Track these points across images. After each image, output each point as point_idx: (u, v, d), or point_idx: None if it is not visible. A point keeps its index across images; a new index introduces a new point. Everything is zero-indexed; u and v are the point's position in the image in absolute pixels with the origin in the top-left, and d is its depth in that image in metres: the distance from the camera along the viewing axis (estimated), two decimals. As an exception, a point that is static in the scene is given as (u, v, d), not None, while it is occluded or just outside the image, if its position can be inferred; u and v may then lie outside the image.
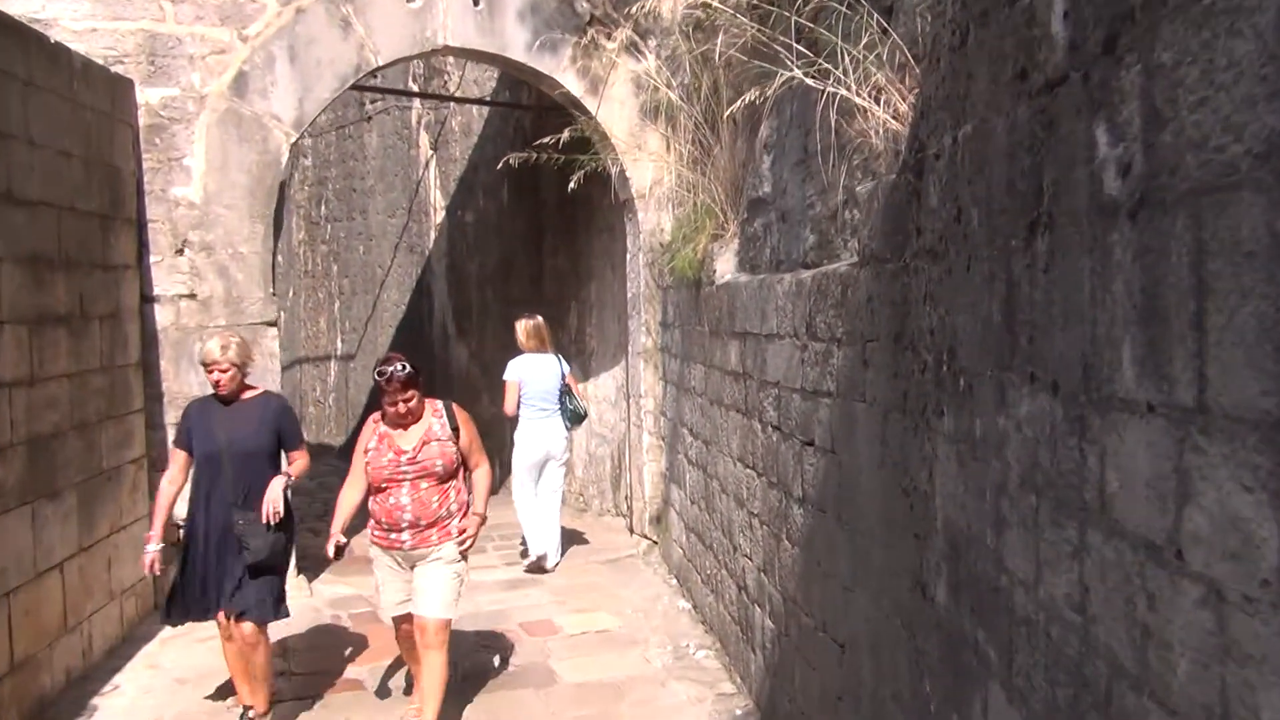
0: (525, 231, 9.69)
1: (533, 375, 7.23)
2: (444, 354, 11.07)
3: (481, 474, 4.73)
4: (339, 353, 13.02)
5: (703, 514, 5.99)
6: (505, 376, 7.31)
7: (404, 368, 4.40)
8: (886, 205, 3.05)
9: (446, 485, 4.51)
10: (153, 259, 6.32)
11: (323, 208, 13.24)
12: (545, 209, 9.44)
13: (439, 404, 4.66)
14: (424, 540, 4.47)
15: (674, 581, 6.85)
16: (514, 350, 9.95)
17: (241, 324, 6.51)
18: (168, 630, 6.13)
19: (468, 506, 4.63)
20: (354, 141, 12.33)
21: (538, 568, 7.27)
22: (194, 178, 6.39)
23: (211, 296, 6.45)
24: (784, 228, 4.63)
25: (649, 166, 7.31)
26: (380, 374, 4.42)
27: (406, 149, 11.32)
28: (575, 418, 7.31)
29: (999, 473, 2.12)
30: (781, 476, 4.28)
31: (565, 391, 7.26)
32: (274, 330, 6.62)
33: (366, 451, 4.54)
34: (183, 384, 6.40)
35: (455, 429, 4.57)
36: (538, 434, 7.23)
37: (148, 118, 6.32)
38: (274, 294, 6.67)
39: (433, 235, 10.97)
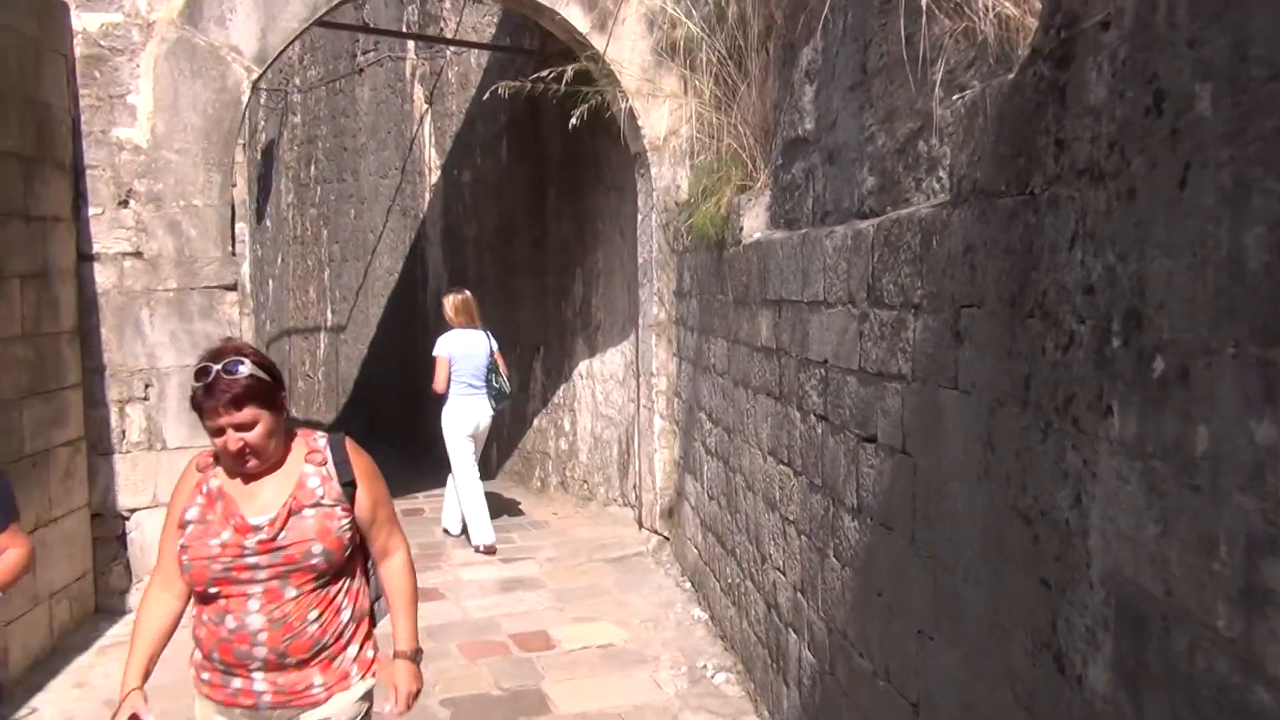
0: (526, 192, 8.83)
1: (462, 351, 6.98)
2: (438, 326, 10.22)
3: (398, 568, 2.66)
4: (329, 324, 12.20)
5: (723, 512, 5.16)
6: (435, 352, 7.05)
7: (241, 367, 2.38)
8: (1001, 117, 2.19)
9: (334, 589, 2.50)
10: (92, 211, 5.48)
11: (312, 168, 12.38)
12: (548, 167, 8.57)
13: (319, 440, 2.59)
14: (297, 694, 2.47)
15: (688, 586, 6.03)
16: (513, 323, 9.13)
17: (196, 287, 5.69)
18: (107, 636, 5.37)
19: (369, 623, 2.64)
20: (345, 96, 11.46)
21: (489, 550, 6.94)
22: (140, 118, 5.54)
23: (161, 255, 5.61)
24: (832, 171, 3.77)
25: (664, 113, 6.44)
26: (200, 374, 2.39)
27: (400, 103, 10.45)
28: (500, 396, 7.10)
29: (1255, 514, 1.28)
30: (828, 478, 3.44)
31: (492, 369, 7.04)
32: (233, 295, 5.79)
33: (183, 526, 2.45)
34: (127, 355, 5.58)
35: (349, 484, 2.53)
36: (468, 410, 6.99)
37: (85, 47, 5.46)
38: (234, 253, 5.84)
39: (427, 197, 10.12)
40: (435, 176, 10.02)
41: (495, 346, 7.11)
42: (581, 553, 6.83)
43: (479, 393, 6.98)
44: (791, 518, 3.90)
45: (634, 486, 7.60)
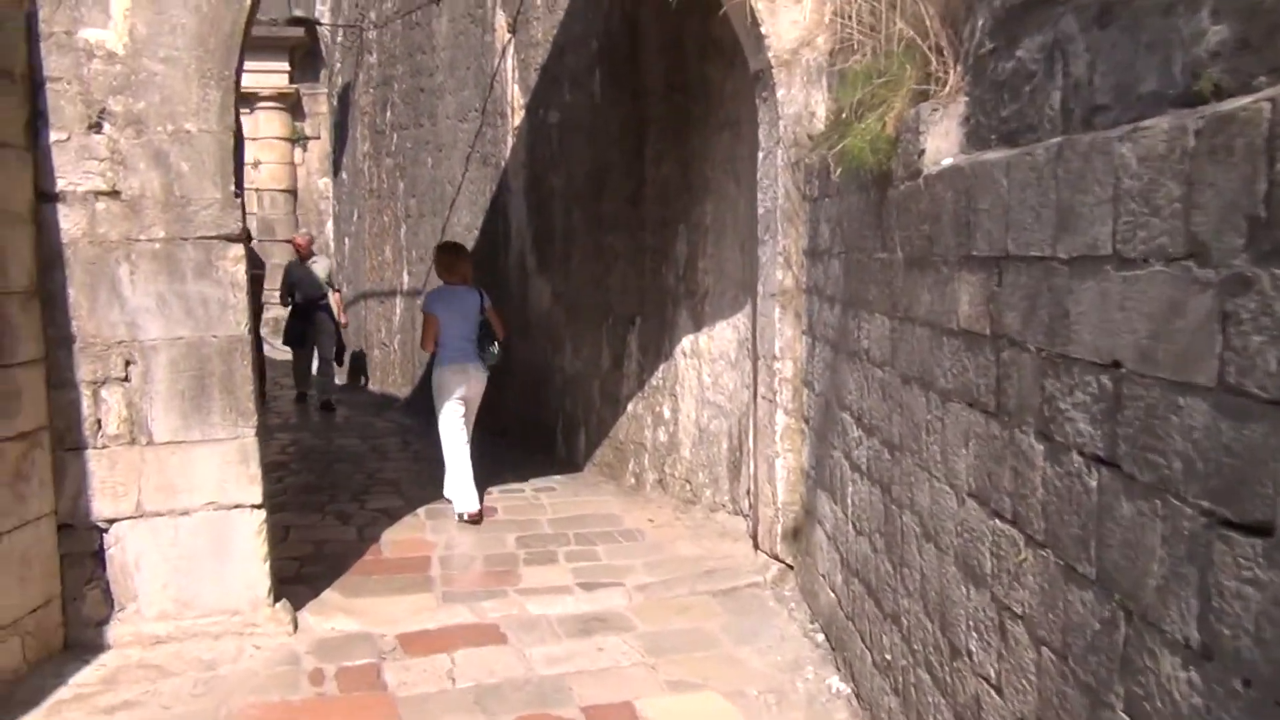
0: (622, 133, 7.40)
1: (452, 309, 6.66)
2: (521, 291, 8.90)
3: None
4: (405, 287, 11.00)
5: (878, 558, 3.69)
6: (423, 308, 6.93)
7: None
8: None
9: None
10: (53, 137, 4.23)
11: (388, 113, 11.15)
12: (648, 101, 7.12)
13: None
14: None
15: (820, 639, 4.57)
16: (604, 289, 7.78)
17: (189, 237, 4.42)
18: (70, 686, 4.18)
19: None
20: (422, 30, 10.16)
21: (474, 519, 6.55)
22: (114, 15, 4.26)
23: (144, 195, 4.35)
24: (1108, 37, 2.23)
25: (803, 10, 4.92)
26: None
27: (480, 34, 9.09)
28: (490, 357, 6.76)
29: None
30: (1118, 572, 1.94)
31: (484, 329, 6.74)
32: (237, 250, 4.50)
33: None
34: (101, 323, 4.34)
35: None
36: (456, 373, 6.70)
37: (42, -79, 4.20)
38: (238, 194, 4.53)
39: (510, 142, 8.77)
40: (519, 118, 8.66)
41: (488, 304, 6.81)
42: (682, 580, 5.42)
43: (469, 355, 6.69)
44: (1020, 610, 2.41)
45: (747, 493, 6.17)
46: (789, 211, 5.14)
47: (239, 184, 4.55)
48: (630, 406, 7.52)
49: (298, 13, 11.14)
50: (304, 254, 10.49)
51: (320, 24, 11.89)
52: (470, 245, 9.63)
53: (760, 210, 5.42)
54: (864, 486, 3.88)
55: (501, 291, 9.18)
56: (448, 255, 7.01)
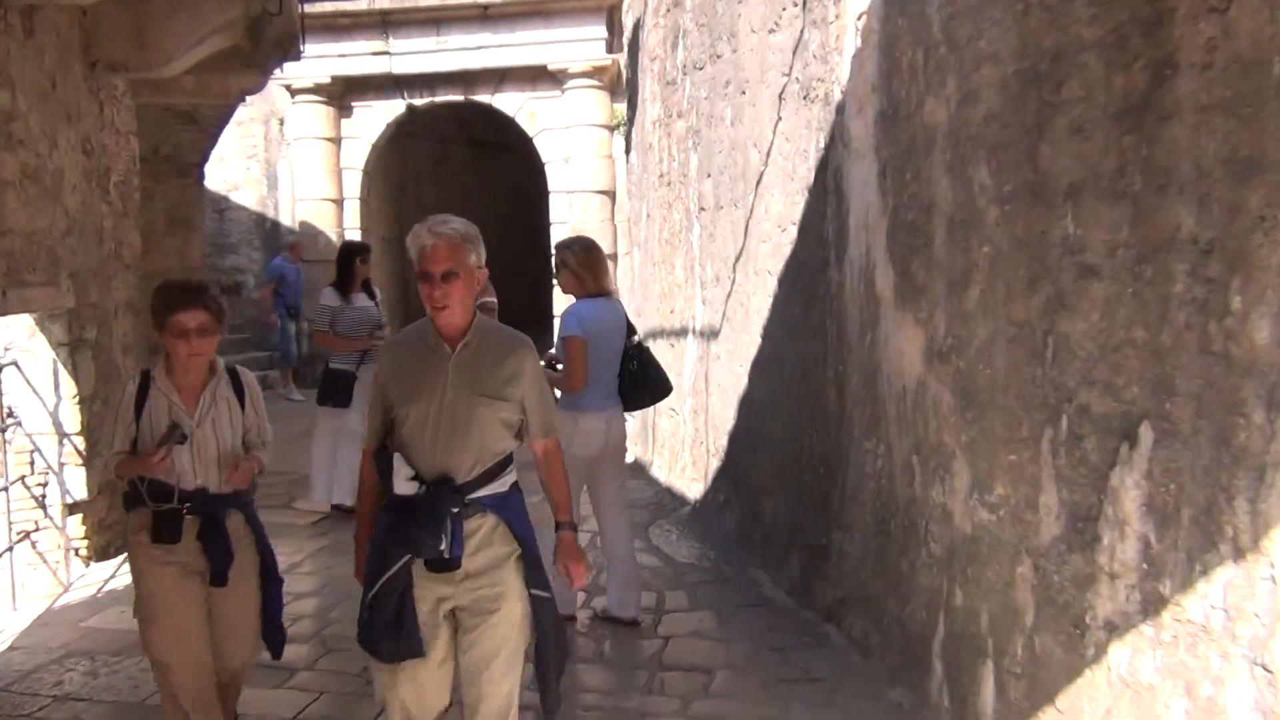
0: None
1: (597, 332, 4.62)
2: (864, 341, 4.57)
3: None
4: (699, 324, 7.04)
5: None
6: (563, 333, 4.65)
7: None
8: None
9: None
10: None
11: (679, 51, 7.29)
12: None
13: None
14: None
15: None
16: (1044, 339, 3.32)
17: None
18: None
19: None
20: (720, -102, 6.20)
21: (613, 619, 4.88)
22: None
23: None
24: None
25: None
26: None
27: None
28: (655, 391, 4.95)
29: None
30: None
31: (640, 358, 4.81)
32: None
33: None
34: None
35: None
36: (598, 421, 4.65)
37: None
38: None
39: (847, 49, 4.53)
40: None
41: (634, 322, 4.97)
42: None
43: (613, 397, 4.73)
44: None
45: None
46: None
47: None
48: (1118, 652, 2.97)
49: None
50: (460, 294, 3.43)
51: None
52: (784, 253, 5.47)
53: None
54: None
55: (832, 331, 4.92)
56: (589, 254, 4.81)
